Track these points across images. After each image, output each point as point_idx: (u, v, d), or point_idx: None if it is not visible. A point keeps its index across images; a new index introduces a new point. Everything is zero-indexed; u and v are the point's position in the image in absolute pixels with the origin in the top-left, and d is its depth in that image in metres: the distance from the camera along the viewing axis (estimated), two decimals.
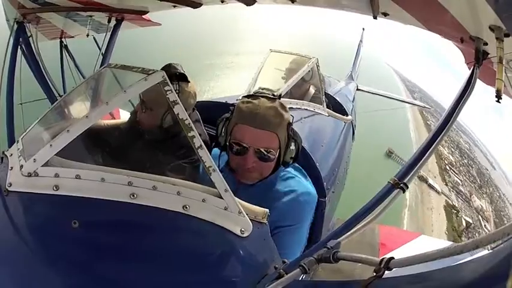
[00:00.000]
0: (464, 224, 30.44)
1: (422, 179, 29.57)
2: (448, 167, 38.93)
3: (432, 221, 26.93)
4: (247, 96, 1.39)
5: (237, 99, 1.44)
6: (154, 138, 1.66)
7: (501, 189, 46.31)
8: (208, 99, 2.38)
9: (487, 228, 33.28)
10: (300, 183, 1.40)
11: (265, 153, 1.30)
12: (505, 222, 37.91)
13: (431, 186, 30.11)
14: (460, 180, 39.05)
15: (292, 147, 1.37)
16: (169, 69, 1.65)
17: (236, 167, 1.37)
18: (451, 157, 42.87)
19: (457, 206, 32.51)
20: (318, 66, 2.84)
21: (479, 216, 34.67)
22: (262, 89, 1.48)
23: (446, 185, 34.34)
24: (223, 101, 2.23)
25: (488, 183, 45.56)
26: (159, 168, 1.09)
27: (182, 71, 1.70)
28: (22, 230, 0.93)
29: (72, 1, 2.14)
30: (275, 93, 1.41)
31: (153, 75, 1.02)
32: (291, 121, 1.38)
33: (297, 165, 1.49)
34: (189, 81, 1.71)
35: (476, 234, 30.47)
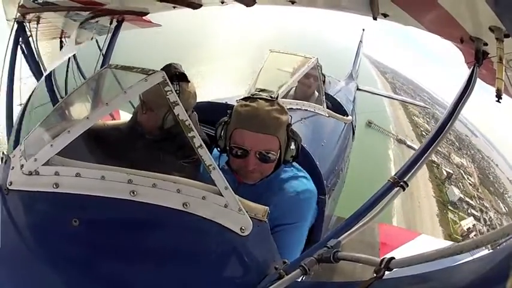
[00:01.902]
0: (445, 173, 34.15)
1: (401, 141, 33.57)
2: (424, 133, 42.66)
3: None
4: (246, 99, 1.39)
5: (236, 100, 1.44)
6: (154, 139, 1.66)
7: (484, 153, 49.33)
8: (208, 100, 2.38)
9: (470, 180, 37.12)
10: (300, 181, 1.40)
11: (266, 154, 1.31)
12: (491, 179, 42.05)
13: (410, 147, 33.98)
14: None
15: (292, 146, 1.38)
16: (169, 69, 1.65)
17: (237, 168, 1.37)
18: (426, 125, 46.72)
19: (436, 161, 35.48)
20: (317, 66, 2.85)
21: (461, 171, 38.15)
22: (260, 90, 1.47)
23: None
24: (223, 102, 2.22)
25: (469, 147, 48.51)
26: (159, 168, 1.09)
27: (182, 71, 1.70)
28: (22, 227, 0.93)
29: (72, 1, 2.15)
30: (273, 95, 1.41)
31: (153, 76, 1.02)
32: (290, 122, 1.39)
33: (296, 164, 1.49)
34: (189, 81, 1.71)
35: (460, 184, 34.82)
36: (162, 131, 1.61)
